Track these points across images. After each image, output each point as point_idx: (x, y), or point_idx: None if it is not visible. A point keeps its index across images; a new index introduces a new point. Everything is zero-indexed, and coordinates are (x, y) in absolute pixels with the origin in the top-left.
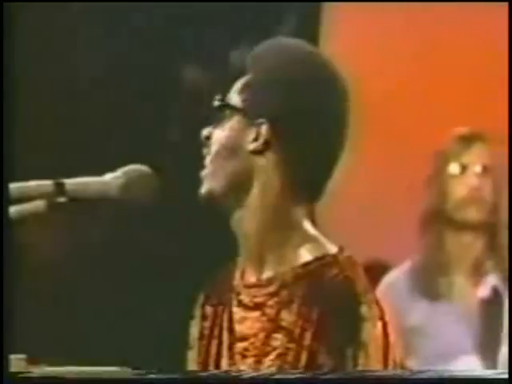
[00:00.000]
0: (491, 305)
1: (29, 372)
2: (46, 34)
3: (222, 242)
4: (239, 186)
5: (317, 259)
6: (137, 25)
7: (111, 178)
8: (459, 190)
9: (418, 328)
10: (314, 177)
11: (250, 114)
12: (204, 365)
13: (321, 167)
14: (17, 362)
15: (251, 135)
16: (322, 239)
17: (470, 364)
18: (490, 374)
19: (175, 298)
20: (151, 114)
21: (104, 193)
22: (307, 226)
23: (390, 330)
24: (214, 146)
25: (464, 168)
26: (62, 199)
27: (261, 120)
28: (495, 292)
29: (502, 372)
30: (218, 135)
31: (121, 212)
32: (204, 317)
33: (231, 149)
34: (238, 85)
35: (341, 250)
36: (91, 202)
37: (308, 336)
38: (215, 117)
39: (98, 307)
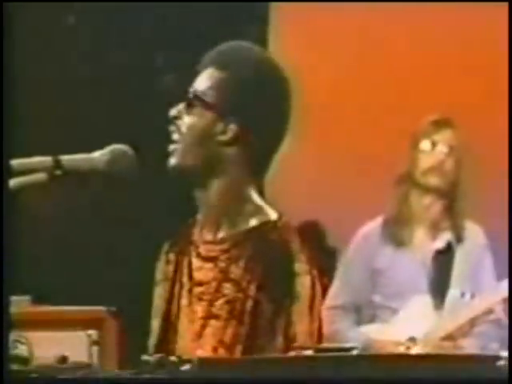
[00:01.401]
0: (444, 255)
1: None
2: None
3: (185, 205)
4: (204, 166)
5: (261, 224)
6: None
7: (99, 155)
8: (427, 161)
9: (384, 270)
10: (264, 160)
11: (220, 109)
12: (167, 301)
13: (270, 153)
14: (20, 303)
15: (219, 128)
16: (267, 208)
17: (422, 301)
18: (490, 374)
19: (147, 248)
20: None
21: (93, 167)
22: (256, 197)
23: (318, 284)
24: (184, 129)
25: (433, 145)
26: (58, 172)
27: (231, 117)
28: (448, 246)
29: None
30: (189, 121)
31: (107, 182)
32: (168, 262)
33: (200, 136)
34: (208, 82)
35: (280, 216)
36: (82, 174)
37: (253, 287)
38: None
39: (87, 256)
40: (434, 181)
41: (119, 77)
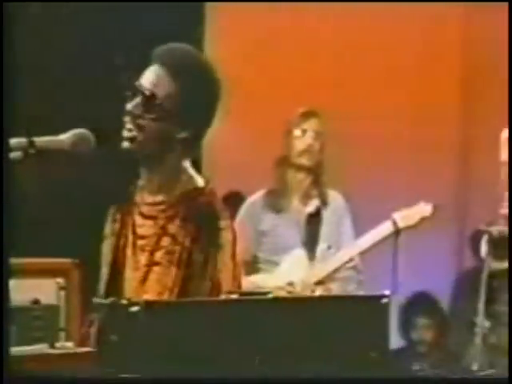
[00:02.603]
0: (314, 217)
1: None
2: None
3: (131, 176)
4: (149, 148)
5: (192, 190)
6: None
7: (65, 137)
8: (299, 145)
9: (266, 231)
10: (195, 141)
11: (162, 102)
12: (114, 252)
13: (200, 135)
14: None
15: (162, 116)
16: (197, 177)
17: (298, 254)
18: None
19: (102, 210)
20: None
21: (60, 147)
22: (189, 169)
23: (239, 237)
24: (135, 119)
25: (304, 132)
26: (32, 151)
27: (172, 107)
28: (317, 210)
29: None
30: (139, 112)
31: (70, 159)
32: (115, 220)
33: (148, 125)
34: (154, 78)
35: (207, 184)
36: (50, 153)
37: (186, 240)
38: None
39: (56, 218)
40: (305, 161)
41: (84, 73)
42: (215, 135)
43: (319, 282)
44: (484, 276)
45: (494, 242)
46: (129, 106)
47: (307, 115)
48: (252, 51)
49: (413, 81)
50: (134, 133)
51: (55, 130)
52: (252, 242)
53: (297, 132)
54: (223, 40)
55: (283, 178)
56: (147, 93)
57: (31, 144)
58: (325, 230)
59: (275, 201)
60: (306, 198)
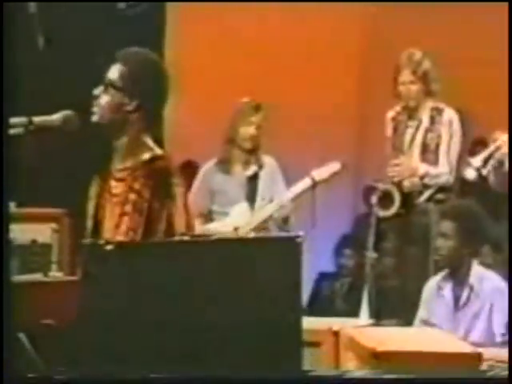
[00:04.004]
0: (253, 179)
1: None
2: None
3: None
4: (116, 125)
5: (152, 157)
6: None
7: (56, 117)
8: (245, 134)
9: (218, 190)
10: (155, 119)
11: (125, 90)
12: (96, 208)
13: (158, 114)
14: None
15: (125, 101)
16: (156, 148)
17: (241, 207)
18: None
19: (87, 176)
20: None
21: (52, 124)
22: (150, 142)
23: (187, 193)
24: (104, 103)
25: (249, 124)
26: (31, 127)
27: (132, 94)
28: (255, 173)
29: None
30: (108, 99)
31: (60, 135)
32: (96, 184)
33: (115, 108)
34: (117, 73)
35: (164, 153)
36: (45, 129)
37: (148, 194)
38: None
39: (50, 180)
40: (248, 145)
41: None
42: (174, 117)
43: (256, 227)
44: (373, 220)
45: (380, 195)
46: (96, 91)
47: (254, 109)
48: (208, 47)
49: (327, 75)
50: (104, 112)
51: (48, 112)
52: (207, 198)
53: (244, 123)
54: (183, 37)
55: (230, 151)
56: (112, 84)
57: (30, 122)
58: (261, 187)
59: (223, 167)
60: (246, 164)
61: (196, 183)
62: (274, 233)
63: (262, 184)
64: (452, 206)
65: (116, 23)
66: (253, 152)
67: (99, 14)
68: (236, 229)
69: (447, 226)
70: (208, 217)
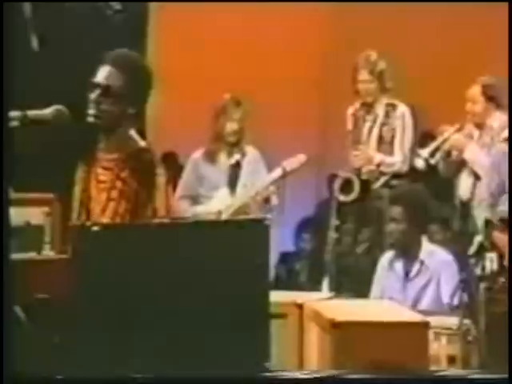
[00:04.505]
0: (235, 167)
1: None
2: None
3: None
4: (106, 123)
5: (136, 149)
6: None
7: (48, 111)
8: (230, 128)
9: (204, 175)
10: (138, 115)
11: (114, 92)
12: (83, 193)
13: (140, 110)
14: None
15: (113, 101)
16: (140, 141)
17: (224, 192)
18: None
19: (74, 165)
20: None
21: (45, 118)
22: (134, 135)
23: (170, 181)
24: (98, 105)
25: (232, 120)
26: (26, 121)
27: (120, 93)
28: (238, 162)
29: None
30: (102, 101)
31: (52, 128)
32: (83, 171)
33: (108, 109)
34: (105, 74)
35: (147, 146)
36: (38, 122)
37: (133, 183)
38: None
39: (39, 171)
40: (232, 139)
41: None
42: (157, 112)
43: (237, 211)
44: (334, 204)
45: (341, 182)
46: (92, 95)
47: (235, 104)
48: (187, 47)
49: (293, 75)
50: (96, 112)
51: (42, 106)
52: (195, 183)
53: (227, 119)
54: (165, 38)
55: (216, 144)
56: (102, 84)
57: (25, 116)
58: (243, 175)
59: (210, 157)
60: (230, 154)
61: (186, 170)
62: (254, 214)
63: (243, 172)
64: (400, 192)
65: (104, 26)
66: (237, 144)
67: (88, 18)
68: (219, 212)
69: (396, 211)
70: (196, 199)
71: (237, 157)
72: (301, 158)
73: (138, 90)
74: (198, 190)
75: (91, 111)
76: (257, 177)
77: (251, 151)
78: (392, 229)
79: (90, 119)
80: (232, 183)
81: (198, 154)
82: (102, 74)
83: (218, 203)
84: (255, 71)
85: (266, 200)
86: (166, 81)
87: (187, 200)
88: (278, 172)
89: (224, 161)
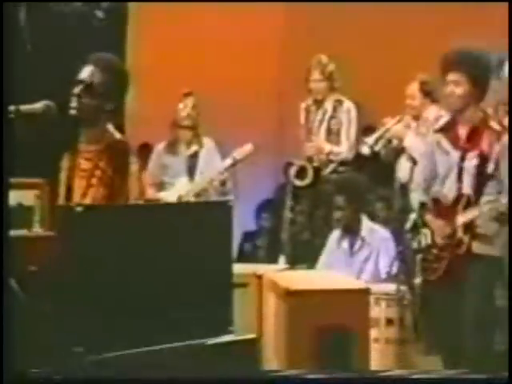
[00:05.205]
0: (193, 157)
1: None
2: None
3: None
4: (86, 117)
5: (112, 141)
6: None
7: (38, 106)
8: (182, 113)
9: (167, 165)
10: (115, 110)
11: (94, 89)
12: (67, 179)
13: (118, 105)
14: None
15: (93, 97)
16: (116, 133)
17: (184, 179)
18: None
19: (60, 155)
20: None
21: (36, 112)
22: (111, 128)
23: (141, 170)
24: (80, 99)
25: (185, 105)
26: (19, 114)
27: (100, 90)
28: (195, 152)
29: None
30: (83, 96)
31: (43, 120)
32: (67, 161)
33: (88, 104)
34: (88, 73)
35: (122, 138)
36: (29, 116)
37: (110, 171)
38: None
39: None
40: (187, 123)
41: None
42: (134, 107)
43: (195, 195)
44: (290, 188)
45: (296, 169)
46: (75, 90)
47: (187, 95)
48: (163, 46)
49: (255, 75)
50: (77, 105)
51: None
52: (159, 171)
53: (181, 105)
54: (140, 40)
55: (175, 134)
56: (85, 82)
57: (18, 109)
58: (200, 164)
59: (171, 148)
60: (188, 144)
61: (151, 160)
62: (212, 198)
63: (201, 161)
64: (342, 183)
65: (89, 31)
66: (194, 133)
67: (75, 23)
68: (179, 197)
69: (340, 200)
70: (160, 186)
71: (195, 148)
72: (248, 147)
73: (115, 89)
74: (162, 178)
75: (73, 104)
76: (212, 165)
77: (208, 142)
78: (337, 216)
79: (73, 112)
80: (191, 171)
81: (160, 146)
82: (85, 73)
83: (180, 189)
84: (220, 70)
85: (222, 184)
86: (142, 79)
87: (153, 187)
88: (229, 160)
89: (183, 151)
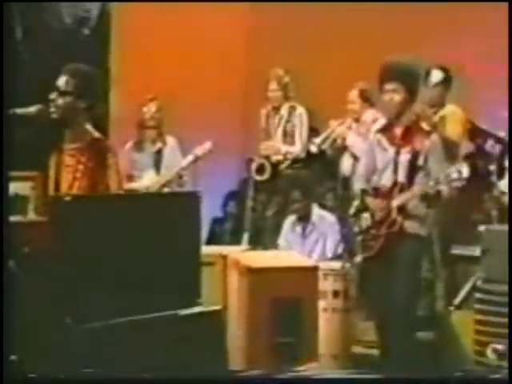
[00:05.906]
0: (158, 153)
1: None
2: None
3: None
4: (66, 117)
5: (92, 139)
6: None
7: (31, 109)
8: (147, 115)
9: (135, 161)
10: (93, 110)
11: (72, 93)
12: (56, 175)
13: (95, 106)
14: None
15: (72, 99)
16: (96, 133)
17: (151, 172)
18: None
19: (47, 151)
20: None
21: (29, 114)
22: (90, 129)
23: (120, 163)
24: (59, 104)
25: (149, 108)
26: (14, 116)
27: (77, 94)
28: (159, 149)
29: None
30: (62, 101)
31: (37, 121)
32: (55, 158)
33: (67, 107)
34: (64, 80)
35: (101, 137)
36: (24, 118)
37: (91, 165)
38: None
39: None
40: (152, 123)
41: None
42: (114, 108)
43: (161, 186)
44: (251, 181)
45: (257, 165)
46: (53, 95)
47: (151, 99)
48: (140, 50)
49: (221, 81)
50: (55, 108)
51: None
52: (129, 166)
53: (145, 109)
54: (119, 47)
55: (141, 132)
56: (61, 88)
57: (14, 112)
58: (165, 159)
59: (138, 146)
60: (153, 142)
61: (122, 157)
62: (177, 189)
63: (165, 157)
64: (295, 177)
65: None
66: (158, 132)
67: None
68: (147, 188)
69: (295, 194)
70: (131, 178)
71: (159, 145)
72: (208, 145)
73: (85, 90)
74: (132, 172)
75: (52, 109)
76: (175, 160)
77: (171, 140)
78: (294, 207)
79: (54, 115)
80: (157, 165)
81: (129, 145)
82: (61, 81)
83: (147, 181)
84: (188, 76)
85: (180, 177)
86: (123, 83)
87: (124, 179)
88: (190, 157)
89: (149, 148)
